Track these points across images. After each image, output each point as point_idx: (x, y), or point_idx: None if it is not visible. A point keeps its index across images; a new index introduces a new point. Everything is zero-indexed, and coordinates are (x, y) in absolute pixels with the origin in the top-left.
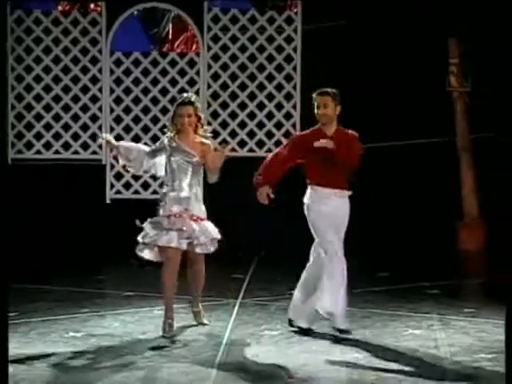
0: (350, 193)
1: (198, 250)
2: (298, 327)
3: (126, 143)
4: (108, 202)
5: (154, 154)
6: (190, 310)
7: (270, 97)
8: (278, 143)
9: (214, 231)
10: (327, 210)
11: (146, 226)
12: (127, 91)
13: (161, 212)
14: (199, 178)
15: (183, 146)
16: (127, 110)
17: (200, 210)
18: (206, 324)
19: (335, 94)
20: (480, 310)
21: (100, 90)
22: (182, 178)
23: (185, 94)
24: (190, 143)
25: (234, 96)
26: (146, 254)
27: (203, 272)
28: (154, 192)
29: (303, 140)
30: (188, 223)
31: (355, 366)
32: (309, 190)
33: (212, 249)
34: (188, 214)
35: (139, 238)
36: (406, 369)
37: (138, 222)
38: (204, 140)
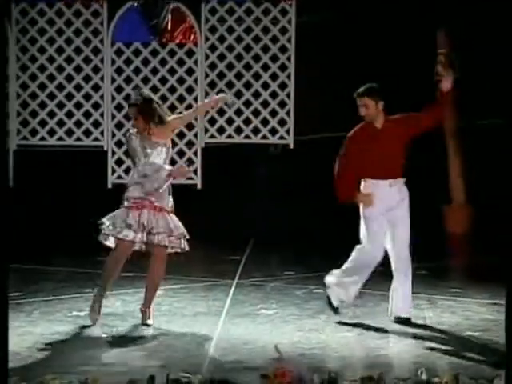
0: (399, 180)
1: (155, 240)
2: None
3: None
4: (109, 186)
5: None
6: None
7: (265, 85)
8: (272, 130)
9: (176, 226)
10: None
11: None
12: (128, 80)
13: (125, 202)
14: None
15: (151, 136)
16: (128, 98)
17: (167, 202)
18: (149, 325)
19: (373, 90)
20: (465, 289)
21: (102, 79)
22: (147, 170)
23: (132, 96)
24: (155, 133)
25: (230, 85)
26: (110, 243)
27: (159, 272)
28: None
29: (354, 138)
30: (146, 214)
31: (347, 344)
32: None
33: (167, 242)
34: (151, 205)
35: (103, 227)
36: (396, 346)
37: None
38: (165, 123)
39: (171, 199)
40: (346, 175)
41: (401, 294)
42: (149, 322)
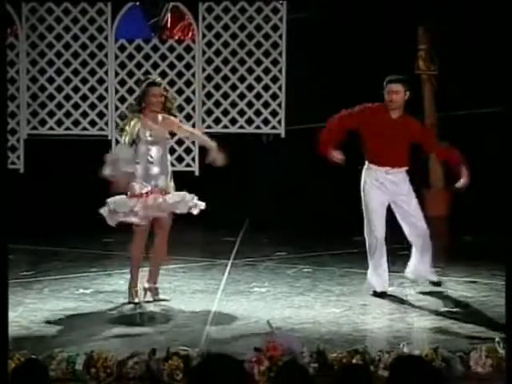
0: (403, 169)
1: (176, 210)
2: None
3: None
4: None
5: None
6: (145, 284)
7: (258, 79)
8: (265, 121)
9: (185, 196)
10: (379, 188)
11: (115, 201)
12: (130, 74)
13: (134, 189)
14: (167, 154)
15: (152, 123)
16: (130, 91)
17: (169, 186)
18: (166, 300)
19: (406, 80)
20: (444, 269)
21: (106, 72)
22: (153, 155)
23: (152, 77)
24: (158, 121)
25: (225, 78)
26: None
27: (164, 248)
28: None
29: (367, 111)
30: (155, 200)
31: (334, 319)
32: (365, 167)
33: (183, 209)
34: (157, 190)
35: (107, 209)
36: (379, 322)
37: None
38: (167, 116)
39: (172, 184)
40: (332, 127)
41: (426, 261)
42: (161, 296)
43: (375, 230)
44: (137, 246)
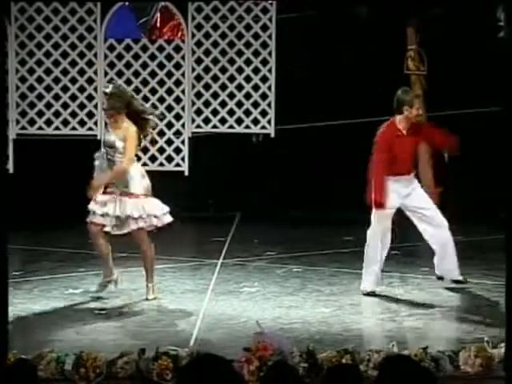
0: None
1: (132, 226)
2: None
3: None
4: None
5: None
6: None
7: (248, 79)
8: (254, 120)
9: (149, 208)
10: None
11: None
12: (120, 74)
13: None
14: (118, 161)
15: (109, 128)
16: None
17: (135, 187)
18: (152, 299)
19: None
20: (433, 268)
21: (95, 72)
22: (104, 159)
23: (104, 88)
24: (113, 126)
25: (215, 78)
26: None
27: (147, 251)
28: (144, 164)
29: (388, 138)
30: (112, 202)
31: (324, 319)
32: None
33: (143, 224)
34: (118, 192)
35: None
36: (369, 321)
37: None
38: (128, 126)
39: (138, 186)
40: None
41: (450, 259)
42: (150, 296)
43: (379, 221)
44: (96, 244)
